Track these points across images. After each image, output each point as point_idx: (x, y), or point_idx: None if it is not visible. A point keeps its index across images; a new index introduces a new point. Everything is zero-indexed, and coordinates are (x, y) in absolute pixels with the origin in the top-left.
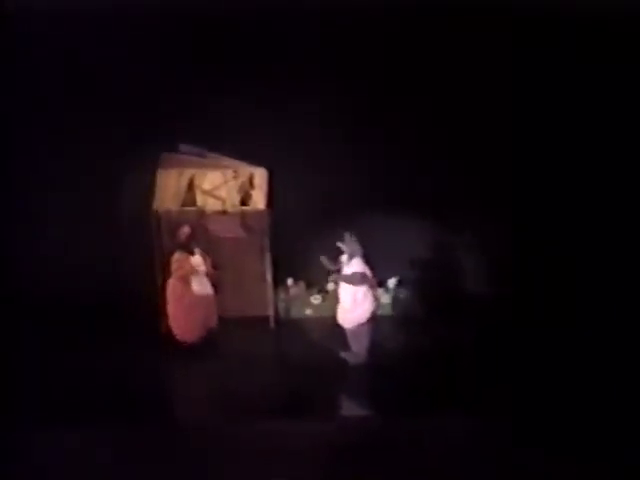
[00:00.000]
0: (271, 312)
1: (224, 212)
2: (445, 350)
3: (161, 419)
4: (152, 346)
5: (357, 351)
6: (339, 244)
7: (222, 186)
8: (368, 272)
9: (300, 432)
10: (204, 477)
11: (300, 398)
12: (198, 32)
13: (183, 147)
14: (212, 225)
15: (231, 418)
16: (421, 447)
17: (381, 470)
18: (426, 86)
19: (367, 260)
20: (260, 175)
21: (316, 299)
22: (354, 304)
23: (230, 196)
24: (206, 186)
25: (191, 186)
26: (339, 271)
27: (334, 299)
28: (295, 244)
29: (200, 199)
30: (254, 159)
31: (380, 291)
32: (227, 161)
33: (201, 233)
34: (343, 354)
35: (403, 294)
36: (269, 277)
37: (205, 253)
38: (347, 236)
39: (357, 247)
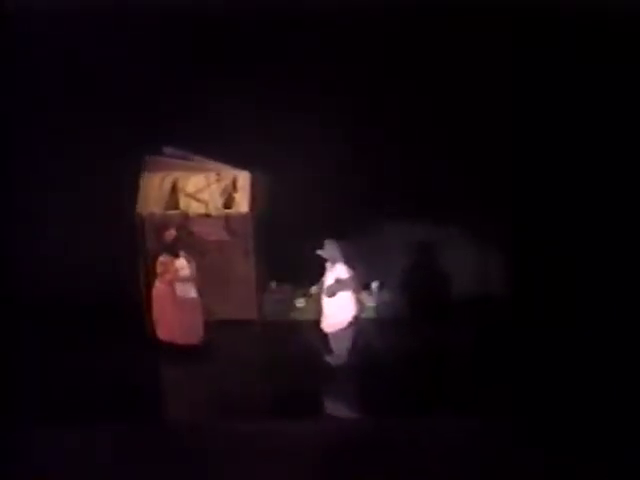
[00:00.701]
0: (255, 315)
1: (208, 215)
2: (431, 352)
3: (149, 420)
4: (139, 348)
5: (340, 354)
6: (318, 252)
7: (205, 189)
8: (353, 275)
9: (288, 433)
10: (193, 477)
11: (286, 400)
12: (188, 32)
13: (167, 150)
14: (196, 228)
15: (217, 420)
16: (410, 448)
17: (368, 471)
18: (425, 86)
19: (350, 264)
20: (243, 178)
21: (300, 302)
22: (338, 308)
23: (213, 199)
24: (189, 189)
25: (175, 189)
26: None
27: (318, 302)
28: (279, 247)
29: (183, 202)
30: (237, 162)
31: (364, 294)
32: (210, 164)
33: (185, 236)
34: (327, 357)
35: (387, 297)
36: (253, 280)
37: (189, 256)
38: (326, 242)
39: (337, 252)
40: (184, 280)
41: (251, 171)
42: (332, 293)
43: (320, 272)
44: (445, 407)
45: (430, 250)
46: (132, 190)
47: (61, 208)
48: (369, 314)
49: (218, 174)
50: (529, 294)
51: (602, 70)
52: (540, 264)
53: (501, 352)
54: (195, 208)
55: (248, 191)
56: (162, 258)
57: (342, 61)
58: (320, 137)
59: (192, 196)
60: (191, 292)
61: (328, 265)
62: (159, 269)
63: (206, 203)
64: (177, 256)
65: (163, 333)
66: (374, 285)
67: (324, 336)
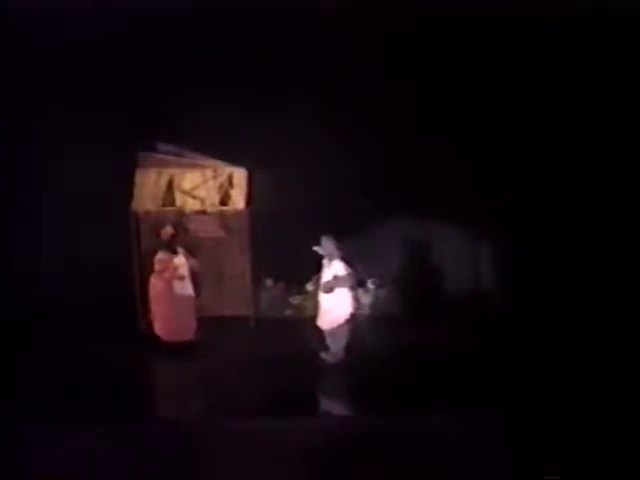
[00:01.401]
0: (251, 312)
1: (203, 212)
2: (427, 349)
3: (147, 419)
4: (136, 346)
5: (336, 351)
6: (315, 248)
7: (201, 186)
8: (350, 272)
9: (282, 431)
10: (190, 475)
11: (281, 398)
12: (186, 30)
13: (162, 147)
14: (192, 225)
15: (212, 417)
16: (406, 446)
17: (364, 469)
18: (425, 85)
19: (347, 260)
20: (239, 175)
21: (296, 299)
22: (334, 305)
23: (209, 196)
24: (185, 186)
25: (170, 186)
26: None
27: (314, 299)
28: (275, 244)
29: (179, 199)
30: (233, 159)
31: (360, 291)
32: (206, 161)
33: (181, 233)
34: (322, 354)
35: (384, 294)
36: (249, 277)
37: (187, 253)
38: (323, 239)
39: (334, 249)
40: (182, 277)
41: (247, 168)
42: (329, 289)
43: (316, 269)
44: (441, 405)
45: (426, 248)
46: (128, 187)
47: (56, 205)
48: (365, 311)
49: (214, 171)
50: (525, 292)
51: (602, 70)
52: (537, 263)
53: (497, 350)
54: (191, 205)
55: (244, 188)
56: (161, 255)
57: (342, 60)
58: (317, 134)
59: (188, 193)
60: (188, 289)
61: (325, 262)
62: (158, 266)
63: (202, 200)
64: (175, 253)
65: (159, 330)
66: (370, 282)
67: (320, 333)
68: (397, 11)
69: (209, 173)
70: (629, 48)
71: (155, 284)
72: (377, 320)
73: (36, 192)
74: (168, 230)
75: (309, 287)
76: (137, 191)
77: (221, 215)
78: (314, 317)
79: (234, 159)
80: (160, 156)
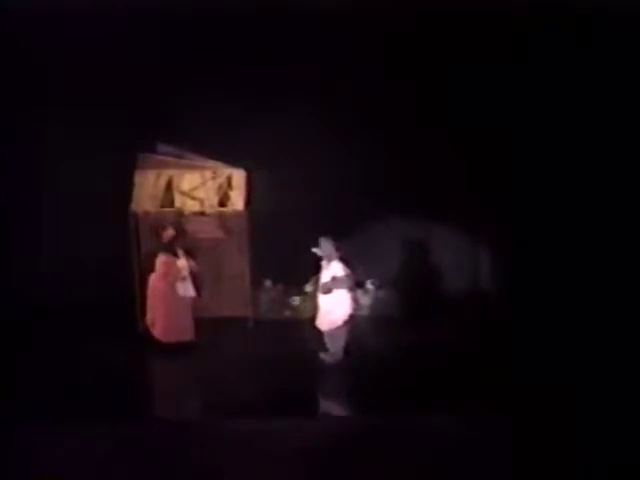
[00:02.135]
0: (250, 313)
1: (202, 213)
2: (426, 349)
3: (147, 419)
4: (134, 345)
5: (335, 352)
6: (314, 250)
7: (201, 187)
8: (349, 273)
9: (283, 432)
10: (187, 474)
11: (280, 398)
12: (186, 30)
13: (161, 147)
14: (191, 226)
15: (211, 418)
16: (405, 446)
17: (363, 469)
18: (424, 84)
19: (346, 261)
20: (238, 176)
21: (294, 300)
22: (334, 306)
23: (208, 197)
24: (185, 187)
25: (170, 187)
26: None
27: (313, 300)
28: (274, 245)
29: (178, 200)
30: (233, 159)
31: (359, 292)
32: (206, 162)
33: (180, 234)
34: (321, 355)
35: (383, 295)
36: (248, 278)
37: (188, 255)
38: (322, 240)
39: (333, 250)
40: (184, 279)
41: (246, 169)
42: (327, 290)
43: (315, 270)
44: (441, 405)
45: (425, 248)
46: (128, 188)
47: (56, 205)
48: (364, 312)
49: (213, 172)
50: (525, 292)
51: (602, 70)
52: (536, 263)
53: (497, 350)
54: (190, 206)
55: (243, 189)
56: (164, 258)
57: (342, 60)
58: (316, 136)
59: (187, 194)
60: (190, 291)
61: (324, 263)
62: (161, 269)
63: (201, 201)
64: (176, 255)
65: (159, 331)
66: (370, 283)
67: (319, 334)
68: (397, 11)
69: (208, 174)
70: (629, 48)
71: (156, 286)
72: (376, 321)
73: (36, 192)
74: (169, 232)
75: (308, 288)
76: (136, 192)
77: (220, 216)
78: (313, 318)
79: (233, 159)
80: (159, 157)
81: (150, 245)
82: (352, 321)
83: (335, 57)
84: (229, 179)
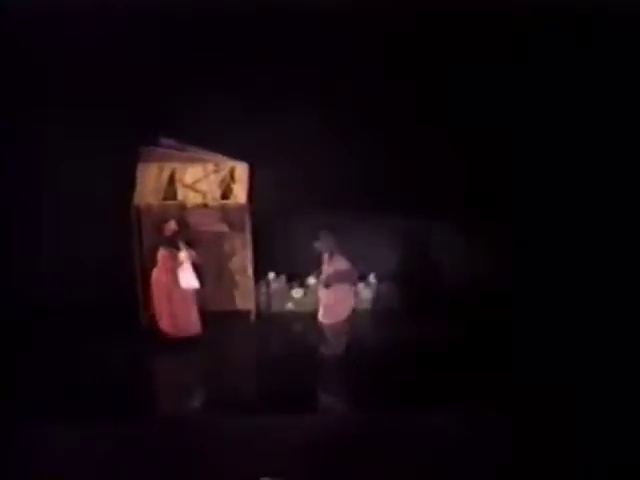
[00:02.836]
0: (252, 306)
1: (205, 206)
2: (428, 344)
3: (149, 416)
4: (135, 344)
5: (337, 346)
6: (315, 244)
7: (203, 180)
8: (351, 267)
9: (283, 426)
10: (189, 471)
11: (282, 392)
12: (186, 27)
13: (164, 141)
14: (193, 219)
15: (213, 412)
16: (406, 442)
17: (363, 464)
18: (423, 83)
19: (347, 255)
20: (241, 169)
21: (297, 293)
22: (335, 299)
23: (211, 190)
24: (187, 180)
25: (172, 180)
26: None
27: (315, 293)
28: (276, 238)
29: (181, 193)
30: (235, 153)
31: (361, 286)
32: (208, 155)
33: (182, 227)
34: (323, 349)
35: (385, 289)
36: (250, 271)
37: (191, 248)
38: (322, 234)
39: (332, 244)
40: (188, 272)
41: (249, 162)
42: (329, 284)
43: (318, 263)
44: (441, 401)
45: (427, 242)
46: (128, 187)
47: (56, 205)
48: (366, 306)
49: (216, 165)
50: (526, 287)
51: (602, 70)
52: (537, 261)
53: (498, 345)
54: (193, 199)
55: (246, 182)
56: (165, 252)
57: (342, 60)
58: (318, 129)
59: (190, 187)
60: (194, 282)
61: (325, 257)
62: (162, 263)
63: (204, 194)
64: (178, 248)
65: (165, 325)
66: (371, 277)
67: (321, 327)
68: (397, 11)
69: (211, 167)
70: (629, 48)
71: (160, 279)
72: (378, 314)
73: (36, 192)
74: (172, 226)
75: (310, 281)
76: (139, 185)
77: (223, 209)
78: (315, 311)
79: (236, 153)
80: (162, 150)
81: (152, 239)
82: (354, 315)
83: (335, 57)
84: (232, 172)
